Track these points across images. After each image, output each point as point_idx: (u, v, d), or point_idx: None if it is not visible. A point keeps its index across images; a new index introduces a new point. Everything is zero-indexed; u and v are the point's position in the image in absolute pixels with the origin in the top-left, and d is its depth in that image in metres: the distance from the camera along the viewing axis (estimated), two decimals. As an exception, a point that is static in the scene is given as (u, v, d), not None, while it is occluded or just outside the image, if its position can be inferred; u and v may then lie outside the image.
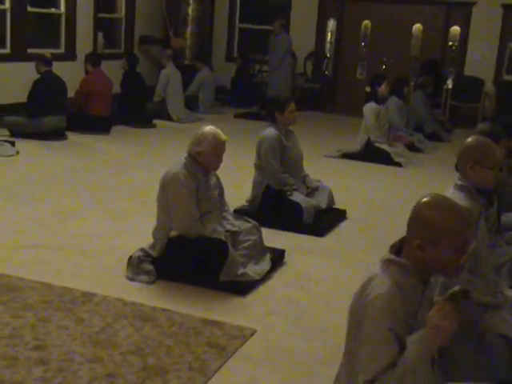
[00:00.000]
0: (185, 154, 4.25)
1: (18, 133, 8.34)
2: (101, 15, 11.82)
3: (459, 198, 3.33)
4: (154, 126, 10.13)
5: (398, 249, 2.42)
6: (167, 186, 4.17)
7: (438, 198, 2.35)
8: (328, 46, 13.51)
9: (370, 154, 8.39)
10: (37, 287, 3.96)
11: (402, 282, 2.30)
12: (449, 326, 2.14)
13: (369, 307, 2.27)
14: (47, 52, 8.86)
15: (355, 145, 8.64)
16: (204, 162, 4.20)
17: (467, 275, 3.26)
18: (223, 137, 4.20)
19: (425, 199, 2.35)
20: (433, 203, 2.32)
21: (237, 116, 11.69)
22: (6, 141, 7.74)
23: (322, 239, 5.33)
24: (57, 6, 10.99)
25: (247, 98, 12.53)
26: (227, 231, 4.38)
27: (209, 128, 4.21)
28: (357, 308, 2.35)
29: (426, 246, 2.27)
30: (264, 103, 5.87)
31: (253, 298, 4.08)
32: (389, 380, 2.16)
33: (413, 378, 2.15)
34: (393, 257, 2.37)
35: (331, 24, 13.40)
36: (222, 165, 4.32)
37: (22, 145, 7.90)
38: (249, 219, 4.59)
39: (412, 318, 2.29)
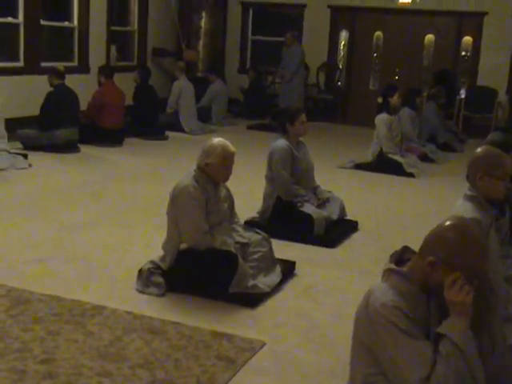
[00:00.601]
0: (194, 167, 4.25)
1: (31, 146, 8.39)
2: (114, 28, 11.91)
3: (469, 209, 3.32)
4: (166, 138, 10.15)
5: (397, 258, 2.42)
6: (177, 198, 4.17)
7: (464, 224, 2.31)
8: (340, 56, 13.53)
9: (383, 164, 8.36)
10: (47, 300, 3.96)
11: (403, 290, 2.30)
12: (464, 298, 2.21)
13: (376, 318, 2.26)
14: (60, 65, 8.91)
15: (367, 156, 8.61)
16: (213, 173, 4.19)
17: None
18: (232, 148, 4.19)
19: (450, 221, 2.32)
20: (457, 228, 2.28)
21: (249, 127, 11.70)
22: (18, 153, 7.78)
23: (333, 251, 5.30)
24: (70, 19, 11.08)
25: (260, 110, 12.54)
26: (237, 243, 4.36)
27: (217, 140, 4.20)
28: (360, 319, 2.35)
29: (437, 265, 2.26)
30: (275, 114, 5.85)
31: (262, 310, 4.06)
32: (440, 369, 2.18)
33: (460, 356, 2.19)
34: (393, 266, 2.37)
35: (343, 35, 13.42)
36: (233, 176, 4.31)
37: (35, 157, 7.94)
38: (259, 231, 4.58)
39: (424, 331, 2.28)
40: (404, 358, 2.21)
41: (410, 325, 2.23)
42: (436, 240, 2.29)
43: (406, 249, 2.47)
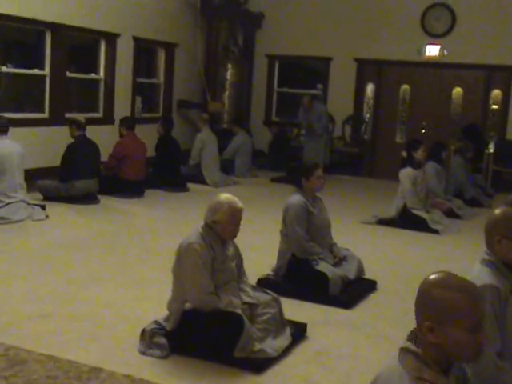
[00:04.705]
0: (202, 223, 4.10)
1: (51, 196, 8.35)
2: (140, 80, 11.96)
3: (486, 274, 3.10)
4: (187, 190, 10.05)
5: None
6: (182, 256, 4.01)
7: (445, 276, 2.11)
8: (367, 109, 13.42)
9: (406, 220, 8.16)
10: (43, 360, 3.79)
11: (421, 375, 2.04)
12: None
13: None
14: (80, 116, 8.89)
15: (391, 210, 8.40)
16: (220, 231, 4.04)
17: (496, 360, 3.00)
18: (239, 205, 4.04)
19: (431, 277, 2.12)
20: (439, 281, 2.08)
21: (273, 180, 11.55)
22: (36, 205, 7.71)
23: (349, 312, 5.06)
24: (96, 71, 11.14)
25: (285, 162, 12.39)
26: (245, 303, 4.17)
27: (224, 196, 4.06)
28: None
29: (436, 329, 2.04)
30: (291, 168, 5.71)
31: (269, 376, 3.84)
32: None
33: None
34: (410, 344, 2.12)
35: (370, 88, 13.33)
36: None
37: (54, 209, 7.87)
38: (268, 291, 4.38)
39: None
40: None
41: None
42: (423, 302, 2.08)
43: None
